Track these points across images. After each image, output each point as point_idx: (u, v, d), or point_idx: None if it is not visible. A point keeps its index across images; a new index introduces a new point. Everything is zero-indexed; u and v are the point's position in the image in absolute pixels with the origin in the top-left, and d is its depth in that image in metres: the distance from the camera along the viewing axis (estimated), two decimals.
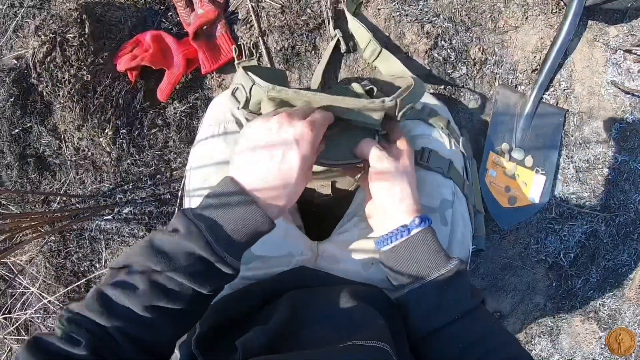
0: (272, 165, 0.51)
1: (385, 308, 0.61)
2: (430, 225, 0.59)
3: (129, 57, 0.99)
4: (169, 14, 1.03)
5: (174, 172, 1.09)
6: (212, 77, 1.06)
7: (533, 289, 1.11)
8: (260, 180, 0.51)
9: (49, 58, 0.91)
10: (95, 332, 0.45)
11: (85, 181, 1.08)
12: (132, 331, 0.47)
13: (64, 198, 1.08)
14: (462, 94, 1.03)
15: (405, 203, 0.59)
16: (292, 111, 0.56)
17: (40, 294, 1.11)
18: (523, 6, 1.00)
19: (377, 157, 0.59)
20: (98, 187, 1.09)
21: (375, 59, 0.98)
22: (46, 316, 1.13)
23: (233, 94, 0.65)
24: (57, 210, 1.04)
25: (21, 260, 1.07)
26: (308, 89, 0.90)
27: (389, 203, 0.59)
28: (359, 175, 0.72)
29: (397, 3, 0.99)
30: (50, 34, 0.89)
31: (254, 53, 1.03)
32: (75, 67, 0.94)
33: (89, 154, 1.06)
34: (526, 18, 1.01)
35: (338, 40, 1.01)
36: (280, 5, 1.00)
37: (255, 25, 1.02)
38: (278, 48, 1.02)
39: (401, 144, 0.63)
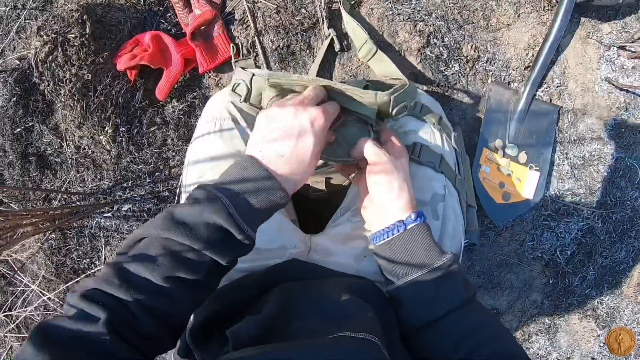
0: (288, 145, 0.54)
1: (376, 300, 0.62)
2: (425, 221, 0.61)
3: (129, 56, 1.01)
4: (168, 15, 1.05)
5: (173, 170, 1.11)
6: (209, 77, 1.08)
7: (529, 286, 1.10)
8: (277, 158, 0.54)
9: (50, 57, 0.94)
10: (113, 306, 0.45)
11: (86, 179, 1.10)
12: (151, 302, 0.47)
13: (65, 196, 1.10)
14: (455, 91, 1.04)
15: (402, 199, 0.60)
16: (305, 96, 0.59)
17: (41, 292, 1.12)
18: (515, 4, 1.01)
19: (375, 154, 0.61)
20: (98, 185, 1.11)
21: (370, 59, 1.00)
22: (46, 313, 1.15)
23: (233, 89, 0.69)
24: (57, 207, 1.06)
25: (22, 257, 1.09)
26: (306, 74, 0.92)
27: (386, 199, 0.61)
28: (352, 175, 0.74)
29: (390, 2, 1.01)
30: (52, 34, 0.92)
31: (251, 52, 1.05)
32: (76, 67, 0.97)
33: (89, 152, 1.08)
34: (518, 15, 1.02)
35: (332, 39, 1.02)
36: (275, 6, 1.03)
37: (251, 25, 1.04)
38: (273, 47, 1.04)
39: (396, 143, 0.65)
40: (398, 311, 0.60)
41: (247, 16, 1.04)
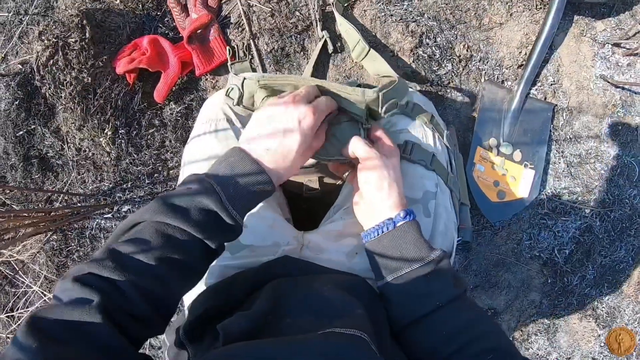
0: (274, 141, 0.58)
1: (367, 297, 0.62)
2: (415, 218, 0.61)
3: (127, 60, 1.04)
4: (166, 19, 1.08)
5: (171, 171, 1.13)
6: (206, 79, 1.10)
7: (528, 286, 1.09)
8: (264, 152, 0.57)
9: (51, 61, 0.97)
10: (106, 289, 0.46)
11: (86, 181, 1.12)
12: (144, 284, 0.48)
13: (66, 197, 1.12)
14: (448, 90, 1.05)
15: (391, 197, 0.61)
16: (296, 94, 0.62)
17: (42, 292, 1.14)
18: (507, 3, 1.02)
19: (365, 153, 0.62)
20: (98, 187, 1.13)
21: (363, 58, 1.01)
22: None
23: (227, 94, 0.71)
24: (58, 208, 1.08)
25: (23, 257, 1.11)
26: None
27: (376, 197, 0.62)
28: (346, 174, 0.75)
29: (383, 4, 1.03)
30: (53, 39, 0.95)
31: (246, 55, 1.07)
32: (76, 70, 1.00)
33: (90, 154, 1.11)
34: (510, 14, 1.03)
35: (325, 41, 1.04)
36: (270, 9, 1.05)
37: (247, 28, 1.06)
38: (268, 50, 1.06)
39: (387, 142, 0.66)
40: (388, 307, 0.61)
41: (242, 20, 1.06)
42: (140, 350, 0.50)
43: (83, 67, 1.00)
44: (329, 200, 0.91)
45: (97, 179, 1.12)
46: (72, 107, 1.03)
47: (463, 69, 1.04)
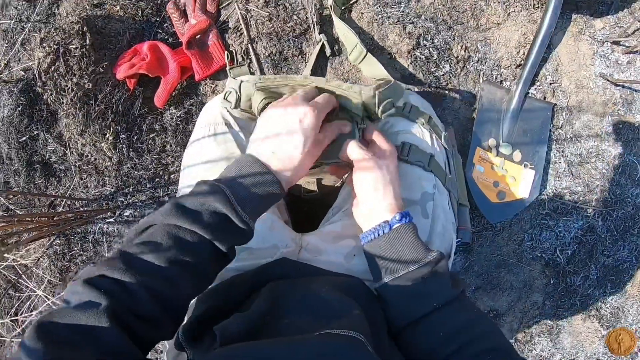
0: (278, 143, 0.59)
1: (364, 298, 0.62)
2: (411, 221, 0.62)
3: (128, 65, 1.05)
4: (165, 25, 1.09)
5: (172, 175, 1.14)
6: (205, 84, 1.11)
7: (530, 287, 1.08)
8: (270, 155, 0.59)
9: (53, 68, 0.98)
10: (115, 291, 0.46)
11: (89, 185, 1.14)
12: (155, 285, 0.49)
13: (69, 202, 1.13)
14: (446, 91, 1.05)
15: (387, 200, 0.62)
16: (295, 95, 0.63)
17: (46, 296, 1.15)
18: (504, 3, 1.02)
19: (359, 155, 0.63)
20: (100, 191, 1.14)
21: (361, 62, 1.02)
22: None
23: (225, 97, 0.73)
24: (61, 212, 1.09)
25: (27, 262, 1.13)
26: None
27: (371, 199, 0.63)
28: (346, 175, 0.75)
29: (379, 6, 1.03)
30: (54, 45, 0.97)
31: (245, 59, 1.08)
32: (77, 76, 1.01)
33: (92, 159, 1.12)
34: (508, 14, 1.03)
35: (323, 44, 1.05)
36: (268, 14, 1.06)
37: (245, 33, 1.07)
38: (267, 54, 1.07)
39: (382, 143, 0.66)
40: (385, 308, 0.61)
41: (240, 24, 1.07)
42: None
43: (84, 73, 1.02)
44: (328, 202, 0.92)
45: (99, 184, 1.13)
46: (74, 113, 1.04)
47: (461, 70, 1.04)
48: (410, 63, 1.03)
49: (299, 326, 0.54)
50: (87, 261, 1.17)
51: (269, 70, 1.07)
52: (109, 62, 1.06)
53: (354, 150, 0.64)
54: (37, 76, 1.01)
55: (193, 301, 0.70)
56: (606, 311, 1.08)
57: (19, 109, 1.06)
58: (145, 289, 0.48)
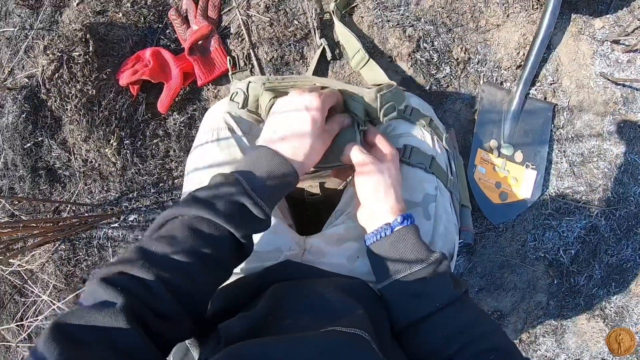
0: (287, 128, 0.61)
1: (367, 299, 0.63)
2: (413, 223, 0.62)
3: (131, 72, 1.06)
4: (167, 31, 1.10)
5: (176, 180, 1.14)
6: (208, 89, 1.12)
7: (534, 287, 1.08)
8: (280, 141, 0.60)
9: (56, 75, 1.00)
10: (132, 288, 0.46)
11: (93, 191, 1.14)
12: (172, 279, 0.48)
13: (73, 207, 1.14)
14: (447, 93, 1.05)
15: (388, 202, 0.62)
16: (299, 88, 0.66)
17: (51, 302, 1.16)
18: (504, 4, 1.03)
19: (360, 158, 0.64)
20: (105, 196, 1.15)
21: (362, 67, 1.02)
22: None
23: (232, 98, 0.74)
24: (66, 218, 1.10)
25: (32, 267, 1.13)
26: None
27: (373, 202, 0.63)
28: (349, 179, 0.76)
29: (379, 9, 1.04)
30: (58, 53, 0.98)
31: (247, 64, 1.09)
32: (81, 83, 1.02)
33: (96, 164, 1.13)
34: (507, 16, 1.03)
35: (324, 48, 1.05)
36: (268, 19, 1.06)
37: (246, 38, 1.08)
38: (268, 59, 1.07)
39: (384, 146, 0.67)
40: (388, 309, 0.62)
41: (242, 30, 1.08)
42: None
43: (87, 79, 1.03)
44: (331, 205, 0.92)
45: (103, 189, 1.14)
46: (78, 119, 1.05)
47: (461, 72, 1.05)
48: (411, 66, 1.04)
49: (302, 326, 0.54)
50: (92, 266, 1.18)
51: (270, 74, 1.08)
52: (112, 68, 1.07)
53: (354, 153, 0.64)
54: (41, 83, 1.02)
55: None
56: (611, 310, 1.08)
57: (23, 115, 1.07)
58: (164, 285, 0.47)
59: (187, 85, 1.11)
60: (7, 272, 1.18)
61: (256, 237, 0.73)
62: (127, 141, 1.11)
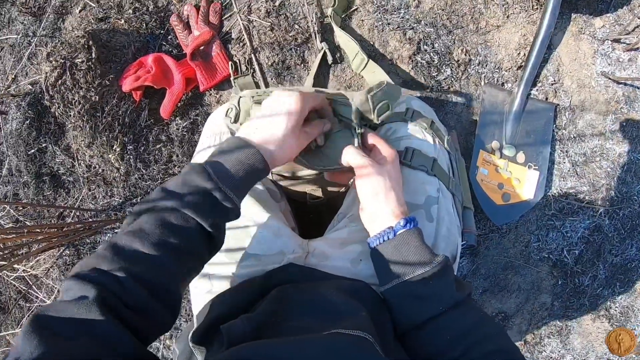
0: (262, 121, 0.62)
1: (371, 301, 0.63)
2: (416, 226, 0.62)
3: (133, 78, 1.07)
4: (169, 37, 1.11)
5: None
6: (210, 94, 1.12)
7: (538, 288, 1.08)
8: (253, 130, 0.61)
9: (60, 81, 1.00)
10: (103, 282, 0.46)
11: (97, 196, 1.15)
12: (141, 272, 0.49)
13: (77, 212, 1.15)
14: (448, 95, 1.06)
15: (389, 206, 0.62)
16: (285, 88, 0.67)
17: None
18: (503, 5, 1.03)
19: (359, 163, 0.64)
20: (109, 202, 1.15)
21: (363, 69, 1.03)
22: None
23: (227, 114, 0.77)
24: (70, 223, 1.11)
25: (37, 272, 1.14)
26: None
27: (374, 206, 0.63)
28: (351, 181, 0.76)
29: (379, 13, 1.04)
30: (61, 60, 0.99)
31: (248, 69, 1.10)
32: (84, 89, 1.03)
33: (100, 170, 1.14)
34: (507, 17, 1.03)
35: (325, 52, 1.06)
36: (269, 24, 1.07)
37: (248, 43, 1.08)
38: (269, 63, 1.08)
39: (383, 148, 0.67)
40: (391, 311, 0.62)
41: (243, 35, 1.09)
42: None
43: (90, 86, 1.04)
44: (334, 207, 0.92)
45: (107, 195, 1.15)
46: (81, 125, 1.06)
47: (462, 74, 1.05)
48: (412, 68, 1.04)
49: (305, 327, 0.55)
50: None
51: (272, 79, 1.08)
52: (114, 75, 1.08)
53: (353, 157, 0.64)
54: (44, 90, 1.03)
55: (202, 308, 0.71)
56: (616, 311, 1.07)
57: (27, 122, 1.08)
58: (133, 277, 0.48)
59: (189, 90, 1.11)
60: (11, 278, 1.19)
61: (259, 241, 0.73)
62: (131, 147, 1.11)
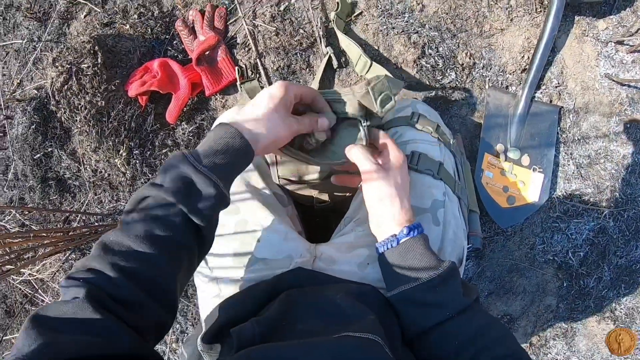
0: (248, 106, 0.60)
1: (378, 305, 0.63)
2: (421, 232, 0.62)
3: (139, 83, 1.07)
4: (174, 42, 1.12)
5: None
6: (215, 99, 1.13)
7: (543, 290, 1.08)
8: (235, 114, 0.61)
9: (66, 87, 1.01)
10: (93, 280, 0.47)
11: (103, 200, 1.15)
12: (130, 267, 0.49)
13: (83, 217, 1.15)
14: (453, 99, 1.06)
15: (394, 212, 0.62)
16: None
17: None
18: (507, 9, 1.03)
19: (366, 168, 0.63)
20: (115, 206, 1.16)
21: (367, 72, 1.03)
22: None
23: None
24: (76, 227, 1.11)
25: (43, 276, 1.14)
26: None
27: (379, 212, 0.64)
28: (359, 185, 0.76)
29: (384, 17, 1.05)
30: (67, 65, 0.99)
31: (254, 73, 1.10)
32: (90, 94, 1.03)
33: (106, 174, 1.14)
34: (511, 20, 1.04)
35: (330, 57, 1.06)
36: (274, 28, 1.08)
37: (253, 48, 1.09)
38: (275, 68, 1.08)
39: (393, 151, 0.66)
40: (399, 317, 0.62)
41: (248, 39, 1.09)
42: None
43: (96, 91, 1.04)
44: (341, 211, 0.93)
45: (113, 199, 1.15)
46: (87, 130, 1.06)
47: (467, 77, 1.05)
48: (417, 72, 1.05)
49: (313, 331, 0.55)
50: None
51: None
52: (120, 80, 1.08)
53: (360, 160, 0.64)
54: (50, 95, 1.03)
55: (210, 312, 0.71)
56: (621, 312, 1.07)
57: (33, 126, 1.08)
58: (122, 274, 0.48)
59: (195, 95, 1.12)
60: (18, 282, 1.19)
61: (267, 245, 0.74)
62: (137, 151, 1.12)
